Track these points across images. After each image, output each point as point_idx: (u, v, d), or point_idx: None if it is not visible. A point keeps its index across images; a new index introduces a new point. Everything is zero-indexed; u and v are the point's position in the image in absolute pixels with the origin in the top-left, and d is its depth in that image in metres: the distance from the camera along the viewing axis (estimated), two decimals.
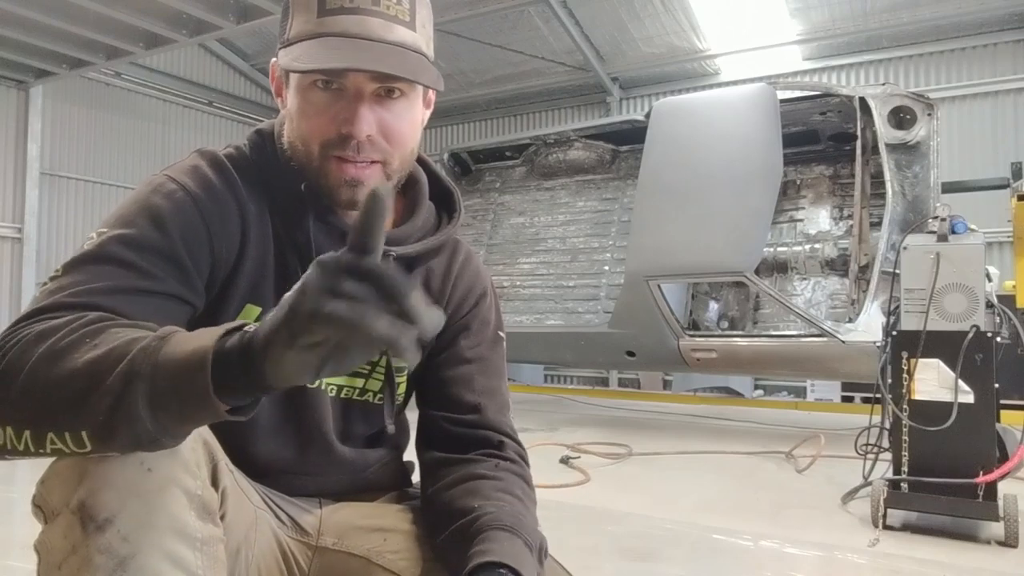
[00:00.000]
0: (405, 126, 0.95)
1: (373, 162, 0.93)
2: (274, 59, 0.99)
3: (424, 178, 1.10)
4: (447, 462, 1.03)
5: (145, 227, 0.87)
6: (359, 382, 1.06)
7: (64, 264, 0.84)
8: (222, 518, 0.81)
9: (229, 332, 0.68)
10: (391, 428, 1.08)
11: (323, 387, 1.03)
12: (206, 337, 0.67)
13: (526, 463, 1.07)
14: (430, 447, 1.07)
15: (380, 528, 1.03)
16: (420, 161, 1.09)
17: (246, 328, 0.68)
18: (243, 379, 0.66)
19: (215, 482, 0.81)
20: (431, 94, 1.01)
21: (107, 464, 0.73)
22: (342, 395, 1.06)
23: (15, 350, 0.72)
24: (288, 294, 0.64)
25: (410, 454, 1.18)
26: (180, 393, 0.66)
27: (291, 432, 1.03)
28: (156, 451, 0.72)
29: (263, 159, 1.00)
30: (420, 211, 1.08)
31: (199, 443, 0.80)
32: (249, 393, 0.68)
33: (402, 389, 1.10)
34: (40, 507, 0.77)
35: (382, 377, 1.07)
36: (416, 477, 1.17)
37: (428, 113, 1.03)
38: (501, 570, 0.84)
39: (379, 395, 1.08)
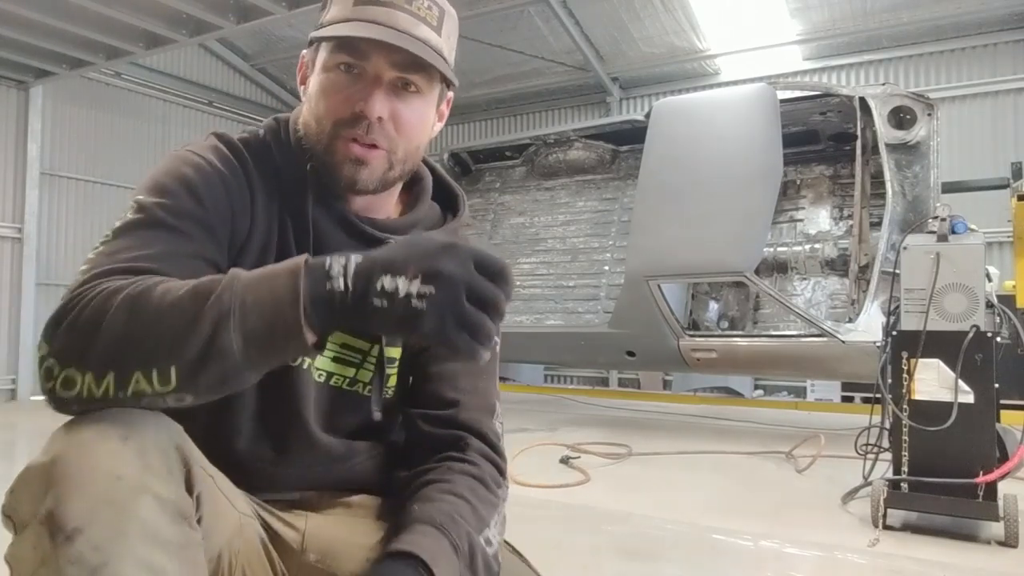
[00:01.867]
0: (416, 120, 1.00)
1: (379, 147, 0.97)
2: (304, 51, 1.04)
3: (429, 177, 1.14)
4: (408, 479, 1.02)
5: (182, 195, 0.93)
6: (351, 371, 1.06)
7: (114, 229, 0.89)
8: (199, 522, 0.80)
9: (311, 268, 0.76)
10: (377, 416, 1.05)
11: (305, 366, 1.02)
12: (285, 275, 0.76)
13: (494, 464, 1.04)
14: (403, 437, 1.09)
15: (364, 546, 1.00)
16: (429, 166, 1.14)
17: (333, 268, 0.76)
18: (339, 325, 0.78)
19: (189, 487, 0.79)
20: (445, 108, 1.07)
21: (75, 473, 0.72)
22: (332, 383, 1.05)
23: (92, 305, 0.76)
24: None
25: None
26: (272, 331, 0.75)
27: (271, 416, 1.01)
28: (236, 388, 0.80)
29: (277, 144, 1.05)
30: (421, 206, 1.11)
31: (171, 448, 0.78)
32: (334, 327, 0.78)
33: (392, 381, 1.08)
34: (10, 517, 0.75)
35: (373, 368, 1.06)
36: None
37: (440, 126, 1.07)
38: (409, 560, 0.83)
39: (369, 386, 1.06)
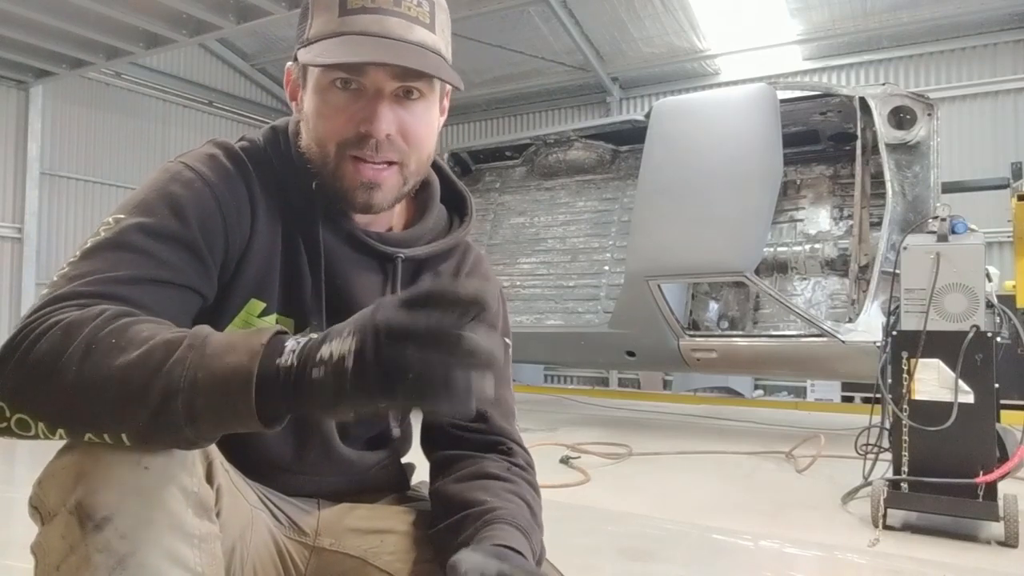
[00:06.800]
0: (423, 127, 0.95)
1: (390, 163, 0.93)
2: (289, 63, 0.98)
3: (436, 180, 1.10)
4: (459, 457, 1.02)
5: (165, 215, 0.88)
6: None
7: (82, 250, 0.84)
8: (217, 515, 0.81)
9: (270, 347, 0.69)
10: (396, 432, 1.06)
11: None
12: (243, 352, 0.69)
13: (534, 471, 1.06)
14: (438, 448, 1.05)
15: (378, 529, 1.02)
16: (434, 165, 1.09)
17: (288, 345, 0.69)
18: (285, 408, 0.69)
19: (210, 480, 0.81)
20: (446, 102, 1.02)
21: (104, 464, 0.72)
22: None
23: (43, 343, 0.72)
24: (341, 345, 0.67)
25: (410, 456, 1.17)
26: (220, 412, 0.69)
27: (291, 427, 1.01)
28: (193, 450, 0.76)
29: (277, 155, 1.00)
30: (430, 213, 1.07)
31: None
32: (288, 413, 0.71)
33: None
34: (37, 508, 0.76)
35: None
36: (415, 480, 1.17)
37: (442, 120, 1.03)
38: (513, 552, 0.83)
39: None
